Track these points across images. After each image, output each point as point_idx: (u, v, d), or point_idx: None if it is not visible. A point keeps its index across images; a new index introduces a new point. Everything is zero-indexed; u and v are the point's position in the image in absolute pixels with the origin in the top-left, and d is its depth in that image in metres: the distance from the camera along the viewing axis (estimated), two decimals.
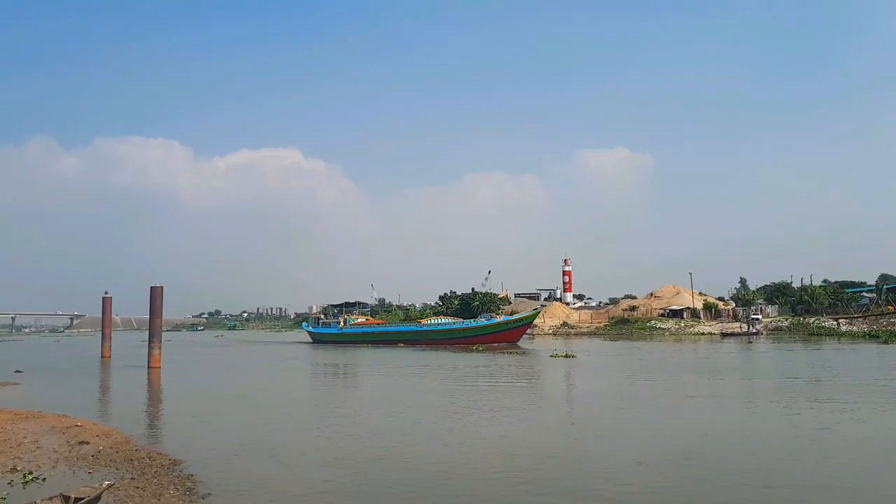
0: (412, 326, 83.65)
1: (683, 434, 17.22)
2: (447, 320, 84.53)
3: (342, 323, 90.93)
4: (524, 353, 56.24)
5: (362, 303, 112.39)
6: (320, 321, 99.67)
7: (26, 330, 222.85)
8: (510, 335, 71.29)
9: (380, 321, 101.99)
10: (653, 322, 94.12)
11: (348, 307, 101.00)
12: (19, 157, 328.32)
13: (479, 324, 74.05)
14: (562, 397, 27.86)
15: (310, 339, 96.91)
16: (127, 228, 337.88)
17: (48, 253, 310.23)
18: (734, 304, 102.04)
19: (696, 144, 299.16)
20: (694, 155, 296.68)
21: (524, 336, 76.35)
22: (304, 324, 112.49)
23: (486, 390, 28.14)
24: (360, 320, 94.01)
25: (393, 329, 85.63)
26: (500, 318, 75.54)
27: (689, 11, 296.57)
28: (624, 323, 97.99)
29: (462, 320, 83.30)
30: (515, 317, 76.28)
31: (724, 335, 77.30)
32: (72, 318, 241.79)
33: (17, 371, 41.82)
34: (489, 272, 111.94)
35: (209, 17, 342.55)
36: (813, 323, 77.98)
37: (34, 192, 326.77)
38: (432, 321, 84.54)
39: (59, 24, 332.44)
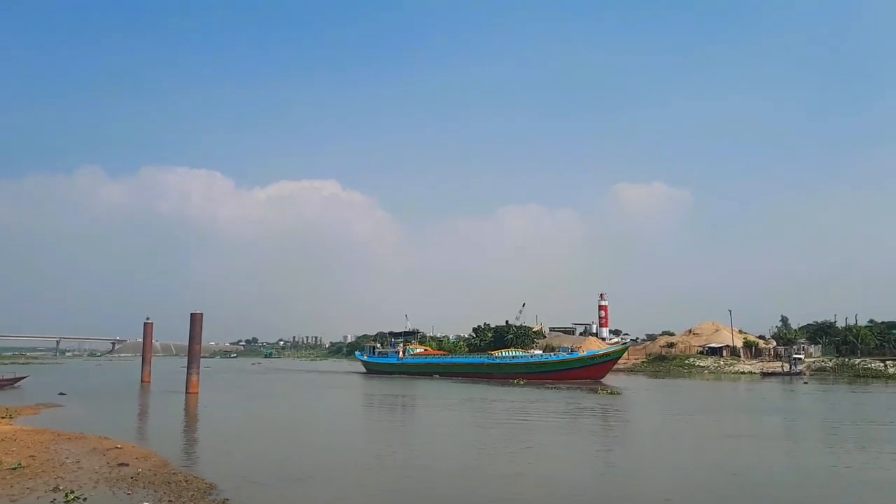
0: (483, 359, 76.45)
1: (716, 473, 16.87)
2: (518, 352, 77.61)
3: (401, 352, 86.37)
4: (610, 392, 47.43)
5: (419, 332, 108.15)
6: (376, 350, 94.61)
7: (69, 354, 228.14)
8: (594, 371, 64.68)
9: (441, 352, 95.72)
10: (691, 359, 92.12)
11: (407, 336, 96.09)
12: (69, 185, 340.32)
13: (560, 358, 68.56)
14: (625, 435, 27.52)
15: (363, 369, 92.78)
16: (169, 256, 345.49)
17: (93, 278, 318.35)
18: (775, 343, 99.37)
19: (735, 180, 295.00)
20: (733, 191, 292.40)
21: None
22: (358, 353, 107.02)
23: (561, 433, 27.28)
24: (419, 350, 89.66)
25: (462, 361, 79.60)
26: (583, 353, 70.32)
27: (723, 48, 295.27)
28: (662, 360, 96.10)
29: (541, 353, 77.96)
30: (601, 351, 70.58)
31: (764, 375, 75.21)
32: (114, 343, 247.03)
33: (61, 394, 42.91)
34: (523, 305, 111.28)
35: (253, 51, 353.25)
36: (859, 364, 75.34)
37: (81, 219, 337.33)
38: (504, 353, 76.92)
39: (109, 56, 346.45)
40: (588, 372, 64.10)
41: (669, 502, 13.53)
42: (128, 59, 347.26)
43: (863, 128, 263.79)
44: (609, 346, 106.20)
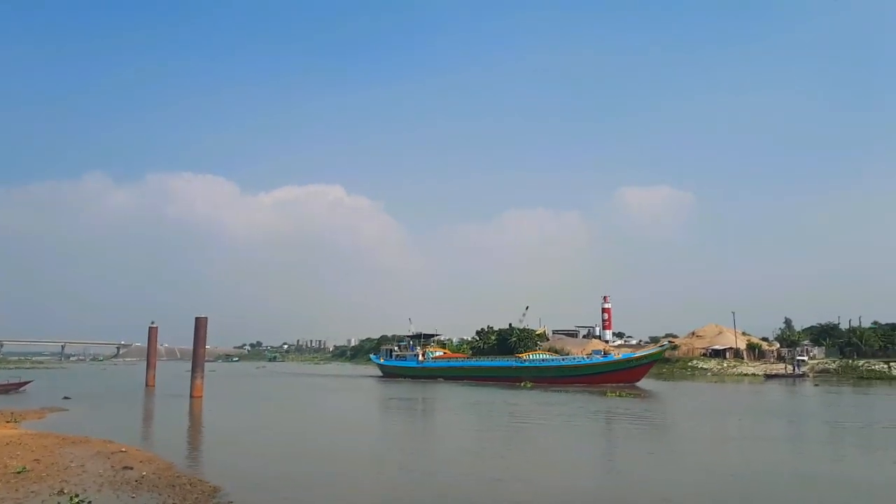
0: (511, 361, 72.62)
1: (716, 474, 16.94)
2: (545, 355, 74.99)
3: (421, 355, 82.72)
4: (645, 396, 47.53)
5: (437, 335, 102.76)
6: (393, 353, 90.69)
7: (74, 358, 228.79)
8: (629, 374, 61.76)
9: (461, 355, 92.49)
10: (694, 362, 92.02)
11: (425, 338, 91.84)
12: (75, 191, 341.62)
13: (594, 361, 65.56)
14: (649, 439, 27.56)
15: (380, 373, 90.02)
16: (174, 261, 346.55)
17: (99, 283, 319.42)
18: (779, 345, 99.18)
19: (739, 182, 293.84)
20: (737, 193, 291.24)
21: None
22: (373, 356, 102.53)
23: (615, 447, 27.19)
24: (438, 353, 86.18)
25: (489, 364, 75.54)
26: (618, 355, 67.77)
27: (730, 50, 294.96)
28: (665, 362, 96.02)
29: (576, 356, 74.41)
30: (638, 354, 67.06)
31: (768, 377, 75.14)
32: (118, 347, 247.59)
33: (66, 398, 43.11)
34: (527, 308, 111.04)
35: (257, 56, 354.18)
36: (862, 366, 75.21)
37: (87, 225, 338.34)
38: (534, 356, 73.59)
39: (114, 63, 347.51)
40: (623, 375, 61.50)
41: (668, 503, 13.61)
42: (132, 66, 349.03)
43: (867, 130, 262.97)
44: (612, 347, 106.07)
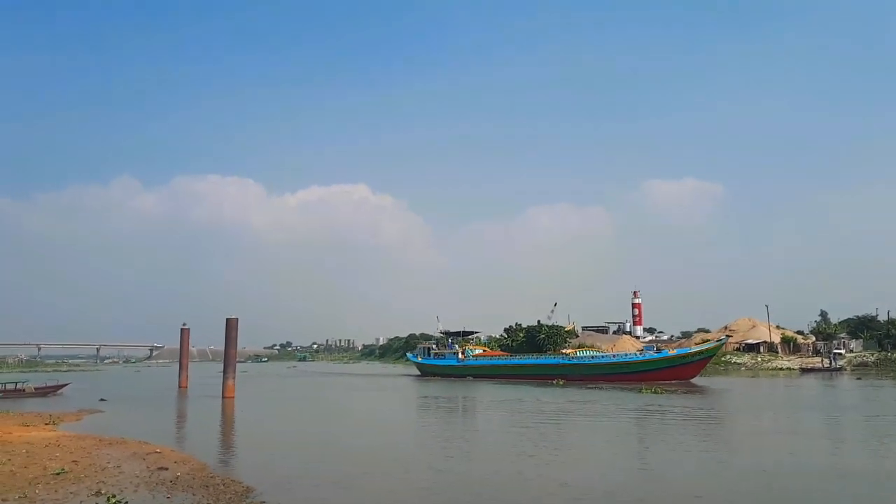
0: (557, 359, 69.92)
1: (749, 470, 16.58)
2: (590, 352, 73.08)
3: (461, 354, 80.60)
4: (700, 393, 46.21)
5: (476, 332, 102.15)
6: (432, 351, 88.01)
7: (108, 360, 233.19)
8: (685, 371, 59.21)
9: (502, 353, 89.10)
10: (727, 356, 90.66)
11: (464, 336, 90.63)
12: (105, 195, 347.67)
13: (646, 357, 62.93)
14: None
15: (417, 372, 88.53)
16: (204, 263, 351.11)
17: (130, 286, 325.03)
18: (814, 339, 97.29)
19: (769, 172, 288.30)
20: (767, 183, 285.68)
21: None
22: (411, 354, 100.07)
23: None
24: (478, 351, 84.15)
25: (533, 362, 72.47)
26: (672, 351, 64.78)
27: (755, 37, 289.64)
28: None
29: (628, 352, 72.95)
30: (694, 349, 63.95)
31: (803, 370, 73.74)
32: (151, 350, 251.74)
33: (102, 400, 43.90)
34: (555, 304, 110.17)
35: (280, 57, 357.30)
36: None
37: (118, 229, 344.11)
38: (581, 353, 71.63)
39: (140, 70, 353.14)
40: (677, 372, 58.84)
41: (700, 498, 13.34)
42: (157, 69, 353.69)
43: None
44: (645, 344, 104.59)
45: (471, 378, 71.62)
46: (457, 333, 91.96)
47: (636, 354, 66.86)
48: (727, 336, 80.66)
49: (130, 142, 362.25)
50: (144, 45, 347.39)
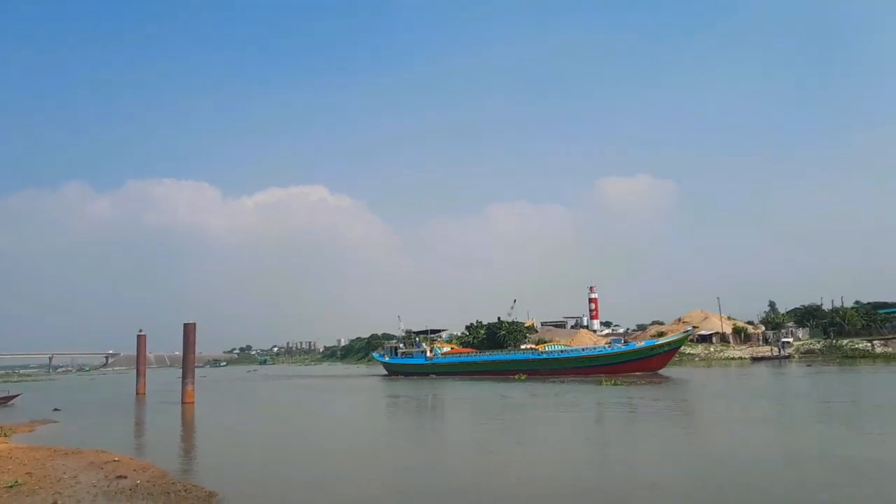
0: (528, 354, 70.91)
1: (705, 458, 17.28)
2: (559, 346, 74.50)
3: (429, 351, 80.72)
4: (661, 384, 47.04)
5: (443, 330, 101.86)
6: (398, 350, 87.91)
7: (61, 370, 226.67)
8: (652, 363, 60.28)
9: (470, 350, 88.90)
10: (681, 348, 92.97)
11: (432, 334, 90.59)
12: (56, 200, 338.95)
13: (615, 350, 64.30)
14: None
15: (384, 372, 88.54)
16: (160, 268, 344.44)
17: (84, 293, 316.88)
18: (764, 328, 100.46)
19: (719, 170, 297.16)
20: (717, 180, 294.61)
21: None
22: (376, 354, 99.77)
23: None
24: (446, 349, 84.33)
25: (503, 358, 72.17)
26: (640, 344, 66.21)
27: (707, 34, 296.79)
28: None
29: (597, 345, 73.75)
30: (661, 341, 65.21)
31: (754, 359, 76.20)
32: (107, 357, 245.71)
33: (56, 409, 42.84)
34: (514, 301, 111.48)
35: (233, 59, 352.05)
36: (846, 345, 76.40)
37: (69, 234, 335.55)
38: (550, 347, 73.15)
39: (91, 73, 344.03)
40: (645, 364, 60.17)
41: (655, 486, 13.90)
42: (109, 71, 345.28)
43: (840, 109, 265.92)
44: (600, 337, 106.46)
45: (434, 376, 71.80)
46: (423, 332, 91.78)
47: (605, 347, 67.65)
48: (693, 327, 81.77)
49: (80, 145, 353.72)
50: (96, 46, 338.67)
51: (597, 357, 63.45)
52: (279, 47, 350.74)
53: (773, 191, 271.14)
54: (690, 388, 43.59)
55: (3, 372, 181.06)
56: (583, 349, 70.09)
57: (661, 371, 59.60)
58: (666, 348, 62.03)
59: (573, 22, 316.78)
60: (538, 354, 68.44)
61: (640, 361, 60.36)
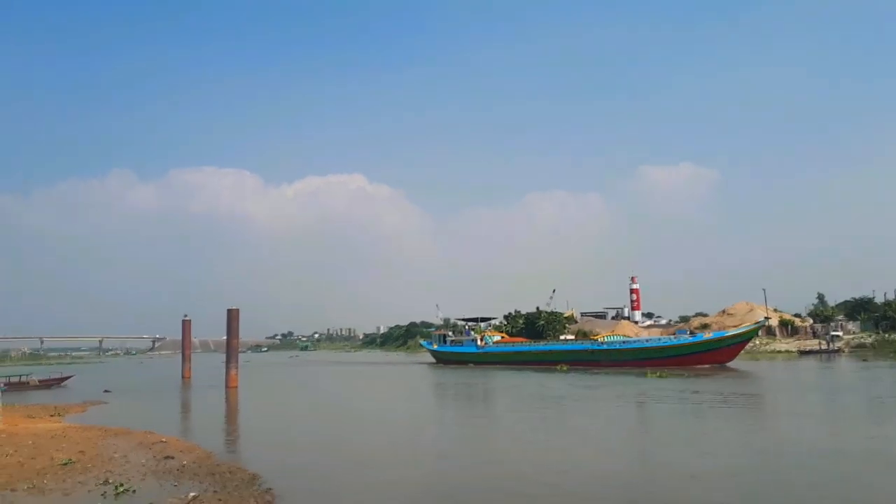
0: (586, 345, 67.77)
1: (746, 452, 16.85)
2: (619, 336, 71.36)
3: (480, 340, 78.59)
4: (738, 376, 45.95)
5: (493, 318, 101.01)
6: (448, 339, 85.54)
7: (111, 353, 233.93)
8: (722, 354, 57.23)
9: (523, 339, 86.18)
10: None
11: (482, 321, 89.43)
12: (102, 188, 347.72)
13: (682, 341, 60.35)
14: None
15: (430, 359, 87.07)
16: (204, 254, 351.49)
17: (132, 279, 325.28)
18: (812, 321, 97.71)
19: (764, 156, 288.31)
20: (763, 167, 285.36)
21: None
22: (425, 342, 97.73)
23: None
24: (497, 338, 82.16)
25: (560, 348, 68.88)
26: (709, 335, 62.61)
27: (749, 17, 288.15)
28: None
29: (662, 336, 70.56)
30: (731, 332, 61.16)
31: (801, 353, 74.16)
32: (154, 341, 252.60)
33: (106, 391, 44.21)
34: (553, 291, 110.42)
35: (273, 49, 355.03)
36: None
37: (116, 221, 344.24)
38: (613, 337, 70.06)
39: (133, 60, 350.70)
40: (715, 356, 56.97)
41: (695, 478, 13.62)
42: (150, 62, 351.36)
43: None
44: (642, 329, 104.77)
45: (474, 365, 70.87)
46: (472, 319, 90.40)
47: (670, 339, 64.33)
48: (766, 318, 76.23)
49: (125, 135, 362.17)
50: (137, 37, 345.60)
51: (663, 348, 60.01)
52: (319, 36, 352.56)
53: (822, 180, 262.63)
54: (755, 381, 42.01)
55: (55, 354, 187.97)
56: (646, 340, 67.36)
57: (730, 364, 56.65)
58: (736, 340, 58.47)
59: (610, 10, 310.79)
60: (597, 345, 65.03)
61: (708, 353, 57.16)
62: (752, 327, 61.77)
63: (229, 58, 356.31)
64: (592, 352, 63.63)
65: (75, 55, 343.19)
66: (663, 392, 34.01)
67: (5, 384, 48.04)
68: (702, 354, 57.06)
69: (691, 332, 67.85)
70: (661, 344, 61.76)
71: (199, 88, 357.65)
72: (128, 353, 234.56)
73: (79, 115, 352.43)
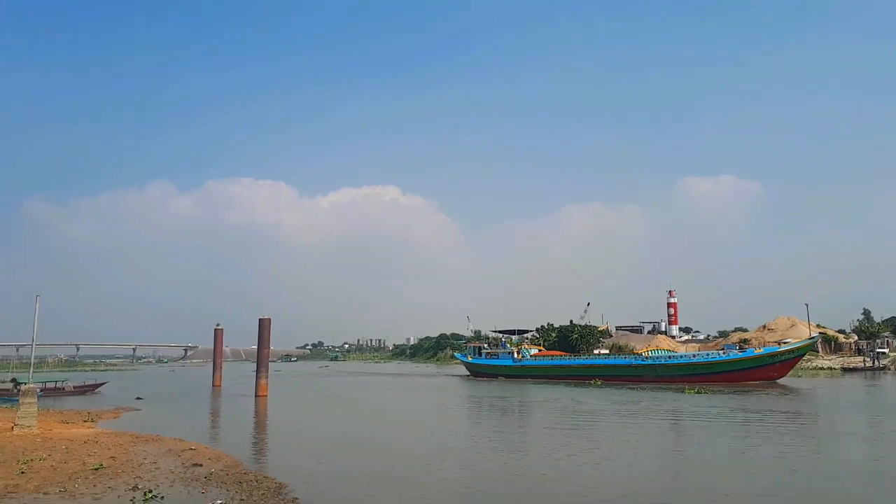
0: (629, 359, 66.07)
1: (780, 471, 16.05)
2: (664, 351, 69.77)
3: (516, 353, 76.73)
4: (783, 393, 44.31)
5: (528, 330, 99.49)
6: (483, 351, 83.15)
7: (144, 360, 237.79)
8: (772, 371, 55.40)
9: (561, 353, 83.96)
10: None
11: (518, 334, 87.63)
12: (141, 199, 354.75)
13: (731, 357, 58.51)
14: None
15: (465, 372, 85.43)
16: (238, 264, 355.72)
17: (166, 287, 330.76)
18: (856, 338, 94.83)
19: (808, 169, 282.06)
20: (805, 179, 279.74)
21: None
22: (459, 354, 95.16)
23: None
24: (534, 351, 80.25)
25: (601, 363, 67.32)
26: (759, 350, 60.27)
27: (786, 37, 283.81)
28: None
29: (710, 351, 68.30)
30: (784, 347, 59.27)
31: (845, 370, 71.89)
32: (185, 350, 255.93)
33: (138, 398, 44.61)
34: (588, 304, 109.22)
35: (312, 65, 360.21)
36: None
37: (153, 231, 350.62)
38: (657, 351, 68.60)
39: (174, 80, 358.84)
40: (766, 372, 55.18)
41: (728, 496, 12.87)
42: (188, 75, 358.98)
43: None
44: (679, 343, 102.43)
45: (523, 378, 68.74)
46: (509, 332, 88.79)
47: (719, 354, 62.32)
48: (820, 334, 73.74)
49: (164, 147, 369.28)
50: (175, 52, 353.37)
51: (711, 364, 57.93)
52: (354, 51, 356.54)
53: (865, 194, 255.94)
54: (801, 399, 40.54)
55: (90, 361, 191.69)
56: (693, 355, 65.17)
57: (781, 381, 54.85)
58: (790, 355, 56.61)
59: (653, 24, 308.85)
60: (641, 360, 63.05)
61: (759, 369, 55.24)
62: (807, 342, 59.76)
63: (265, 73, 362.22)
64: (636, 367, 61.89)
65: (117, 72, 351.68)
66: (702, 409, 33.02)
67: (42, 389, 48.84)
68: (752, 370, 55.19)
69: (740, 348, 65.90)
70: (709, 359, 59.65)
71: (236, 102, 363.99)
72: (160, 360, 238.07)
73: (118, 128, 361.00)
